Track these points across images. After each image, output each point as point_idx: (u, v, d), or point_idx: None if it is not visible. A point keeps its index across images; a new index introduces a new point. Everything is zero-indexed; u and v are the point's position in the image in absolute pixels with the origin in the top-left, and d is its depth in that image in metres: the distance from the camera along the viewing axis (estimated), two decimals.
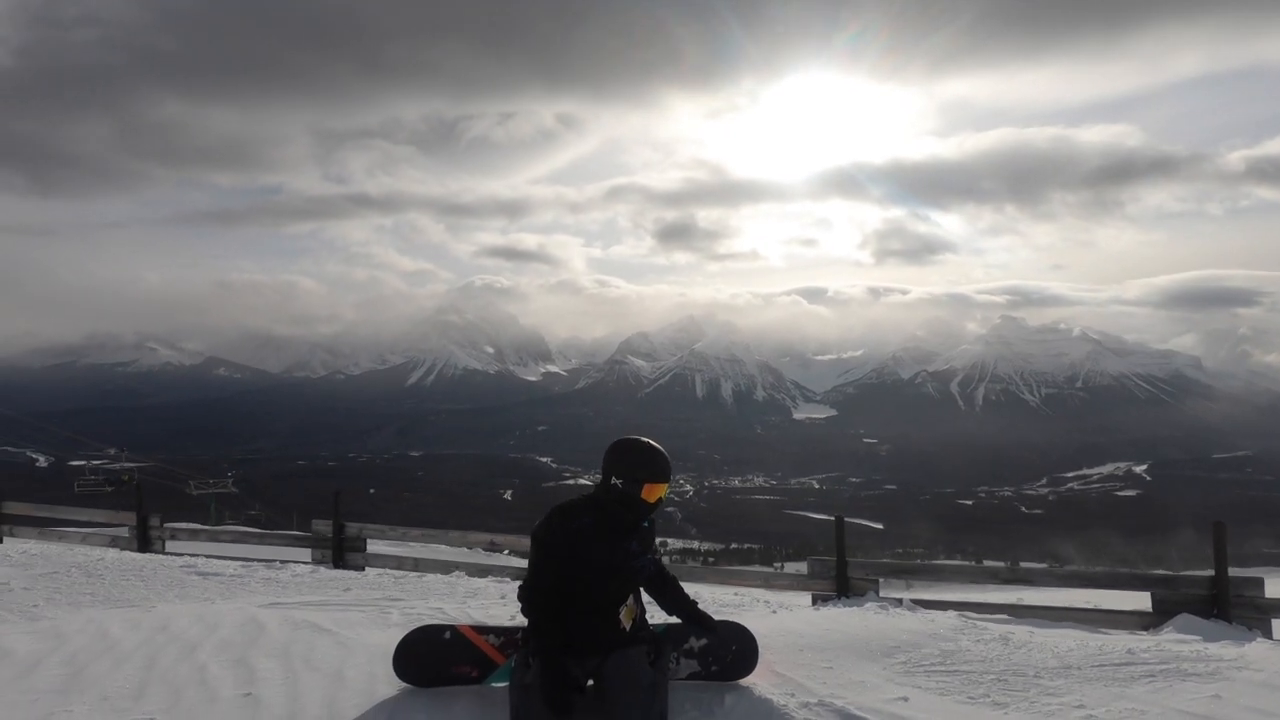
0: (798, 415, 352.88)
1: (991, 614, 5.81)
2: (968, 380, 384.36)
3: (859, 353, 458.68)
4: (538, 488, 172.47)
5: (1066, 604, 6.49)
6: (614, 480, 3.25)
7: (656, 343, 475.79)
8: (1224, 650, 4.18)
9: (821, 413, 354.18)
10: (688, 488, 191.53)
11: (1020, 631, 4.64)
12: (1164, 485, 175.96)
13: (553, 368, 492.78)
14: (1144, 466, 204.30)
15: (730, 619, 3.80)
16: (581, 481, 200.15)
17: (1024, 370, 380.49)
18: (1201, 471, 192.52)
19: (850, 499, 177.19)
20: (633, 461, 3.26)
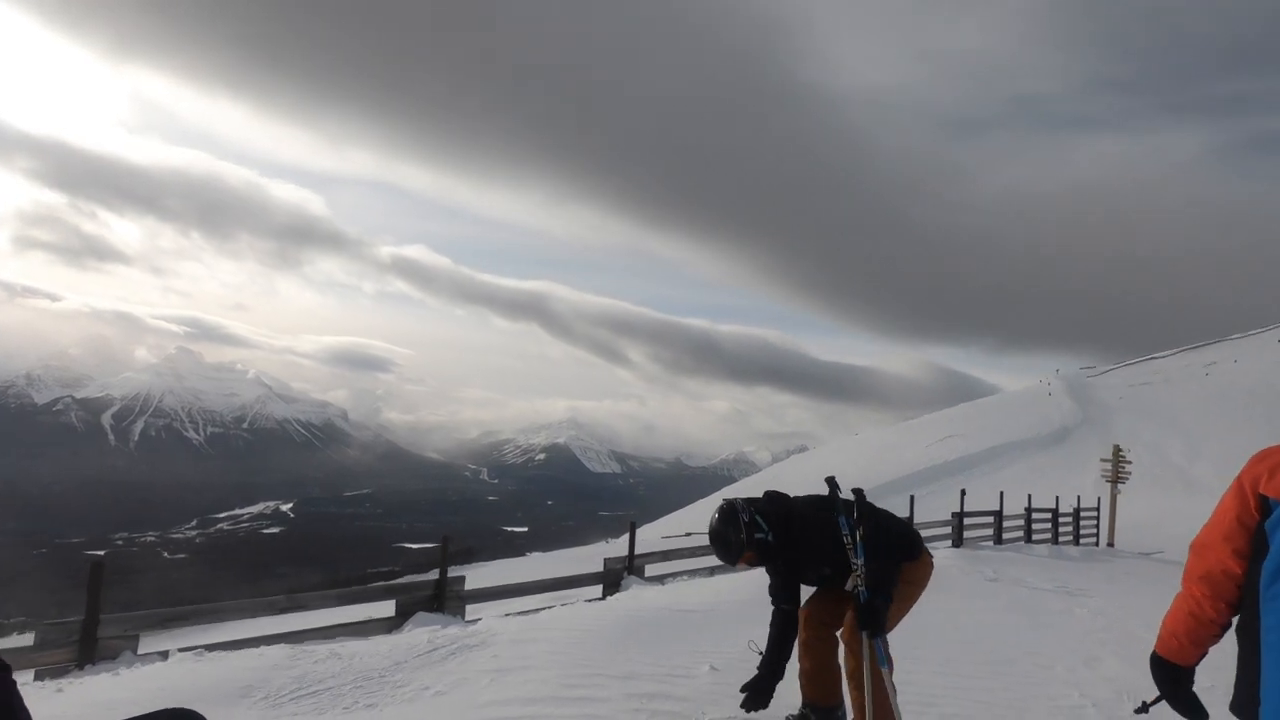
0: None
1: (296, 641, 5.93)
2: (126, 412, 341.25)
3: None
4: None
5: (337, 620, 7.17)
6: None
7: None
8: (470, 629, 5.72)
9: None
10: None
11: (339, 647, 5.08)
12: (304, 521, 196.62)
13: None
14: (290, 504, 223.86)
15: None
16: None
17: (192, 407, 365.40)
18: (335, 508, 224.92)
19: None
20: None
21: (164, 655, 5.62)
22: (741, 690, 3.68)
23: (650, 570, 10.02)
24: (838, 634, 3.68)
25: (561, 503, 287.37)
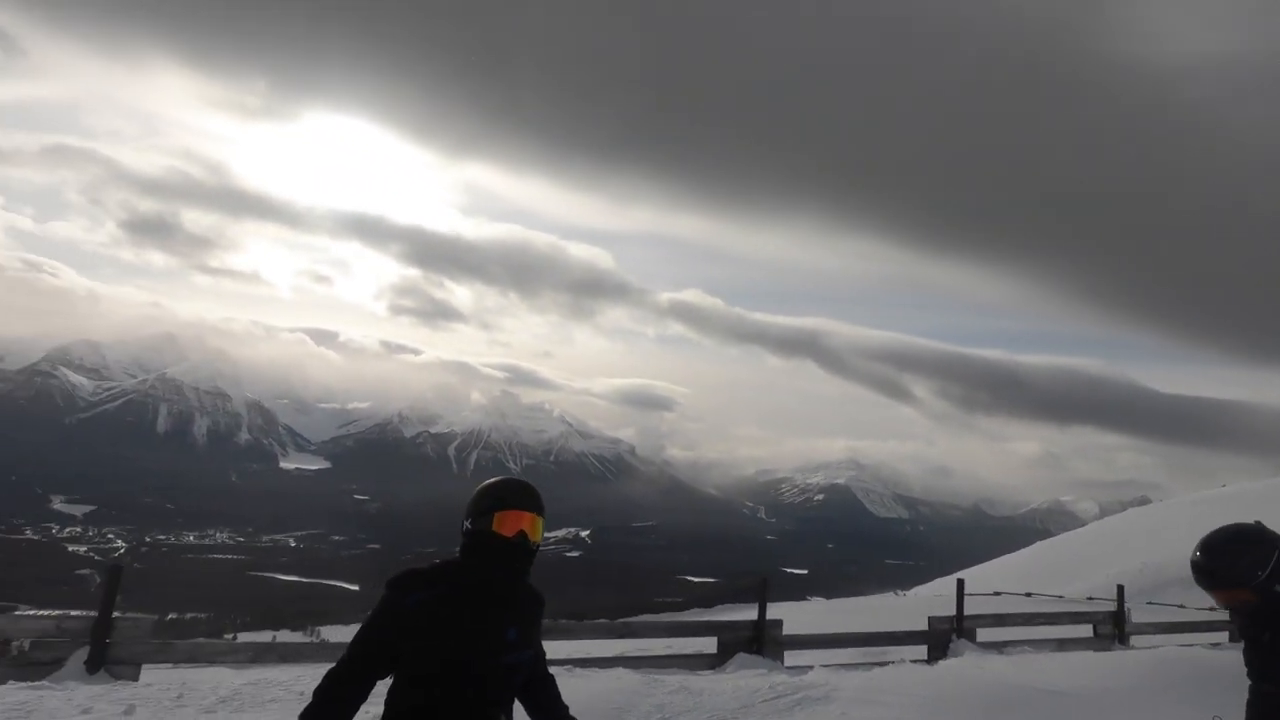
0: (285, 464, 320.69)
1: (633, 666, 6.40)
2: (465, 445, 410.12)
3: (365, 405, 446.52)
4: None
5: (672, 651, 7.57)
6: (465, 525, 2.46)
7: (111, 357, 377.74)
8: (805, 679, 5.54)
9: (314, 464, 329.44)
10: (118, 544, 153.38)
11: (686, 681, 5.29)
12: (599, 547, 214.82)
13: None
14: (587, 531, 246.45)
15: None
16: None
17: (512, 441, 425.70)
18: (624, 537, 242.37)
19: (329, 559, 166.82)
20: (479, 492, 2.52)
21: None
22: None
23: (983, 635, 8.88)
24: None
25: (842, 547, 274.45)
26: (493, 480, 2.59)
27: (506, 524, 2.42)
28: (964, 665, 6.78)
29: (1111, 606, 10.20)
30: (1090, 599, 23.78)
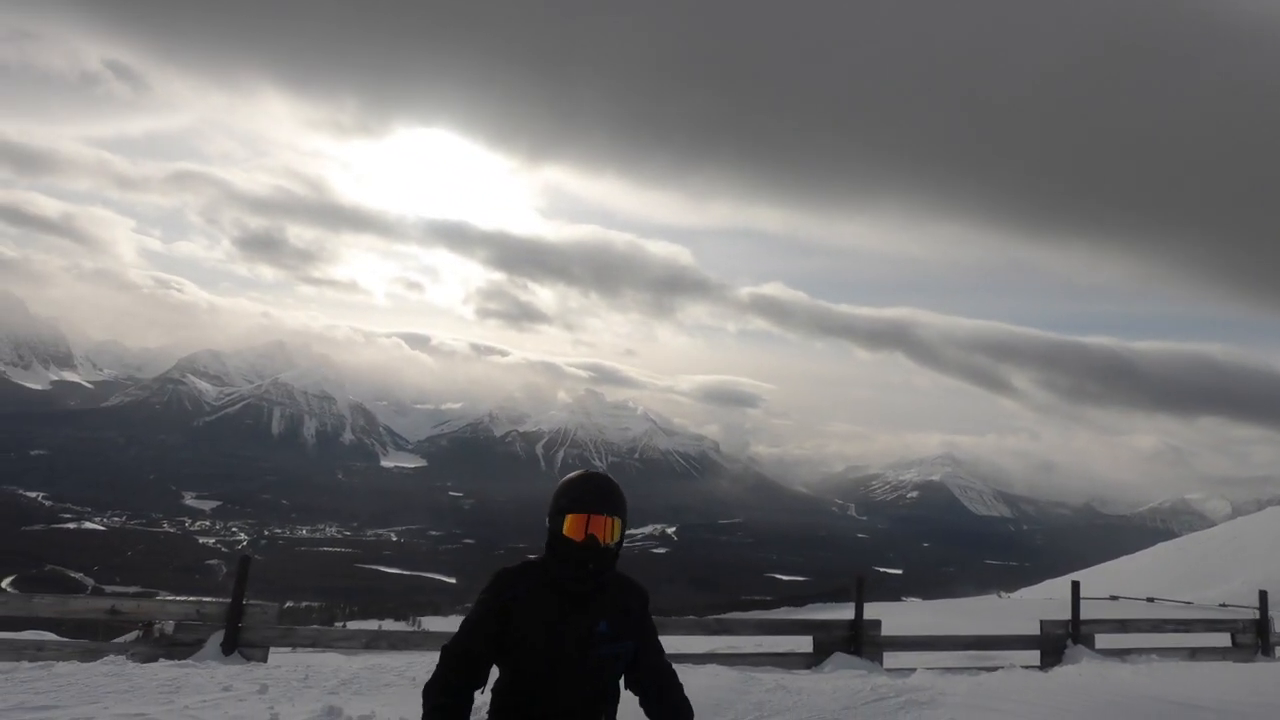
0: (386, 463, 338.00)
1: (727, 663, 6.41)
2: (552, 443, 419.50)
3: (458, 405, 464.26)
4: (14, 532, 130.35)
5: (761, 649, 7.52)
6: (546, 521, 2.46)
7: (231, 365, 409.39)
8: (908, 682, 5.35)
9: (411, 462, 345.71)
10: (241, 537, 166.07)
11: (784, 680, 5.24)
12: (686, 544, 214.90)
13: (73, 376, 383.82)
14: (673, 529, 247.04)
15: None
16: (87, 525, 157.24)
17: (597, 439, 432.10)
18: (710, 534, 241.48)
19: (428, 552, 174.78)
20: (559, 487, 2.49)
21: None
22: None
23: (1102, 641, 8.31)
24: None
25: (939, 546, 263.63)
26: (574, 475, 2.53)
27: (575, 528, 2.39)
28: (1083, 673, 6.37)
29: (1250, 614, 9.31)
30: (1224, 606, 21.69)
